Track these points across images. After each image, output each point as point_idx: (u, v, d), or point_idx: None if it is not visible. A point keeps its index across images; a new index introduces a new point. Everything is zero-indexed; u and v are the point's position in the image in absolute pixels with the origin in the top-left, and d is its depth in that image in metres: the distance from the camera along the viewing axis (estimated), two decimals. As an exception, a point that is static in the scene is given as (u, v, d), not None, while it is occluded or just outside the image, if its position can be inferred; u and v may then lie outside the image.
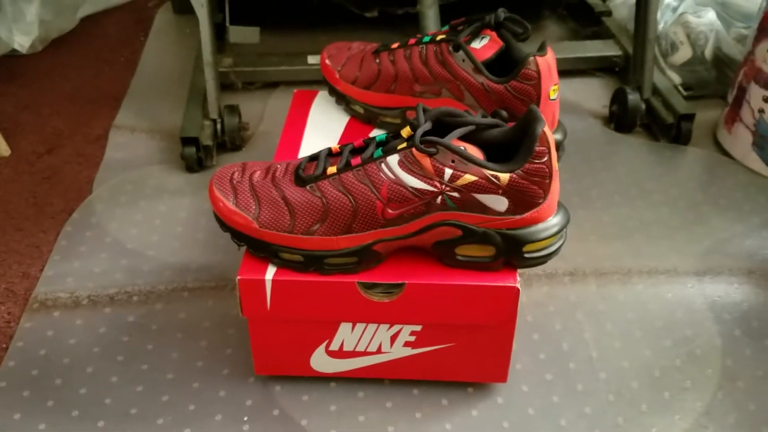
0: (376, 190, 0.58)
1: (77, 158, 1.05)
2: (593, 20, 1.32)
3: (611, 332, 0.76)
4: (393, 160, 0.58)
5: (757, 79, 0.97)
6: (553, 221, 0.60)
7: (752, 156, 1.00)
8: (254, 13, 1.12)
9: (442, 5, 1.11)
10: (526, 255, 0.60)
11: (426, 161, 0.56)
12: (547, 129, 0.56)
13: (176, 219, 0.91)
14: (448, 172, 0.56)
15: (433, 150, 0.56)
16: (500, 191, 0.56)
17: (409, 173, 0.57)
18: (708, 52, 1.14)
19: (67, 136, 1.09)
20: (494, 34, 0.73)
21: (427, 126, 0.57)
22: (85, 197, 0.96)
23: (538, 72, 0.67)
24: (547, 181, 0.57)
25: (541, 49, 0.68)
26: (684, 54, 1.15)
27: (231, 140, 1.04)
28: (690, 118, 1.03)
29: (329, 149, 0.62)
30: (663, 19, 1.18)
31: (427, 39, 0.75)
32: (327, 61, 0.82)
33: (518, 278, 0.60)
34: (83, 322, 0.77)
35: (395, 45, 0.77)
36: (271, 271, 0.61)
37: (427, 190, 0.57)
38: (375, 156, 0.59)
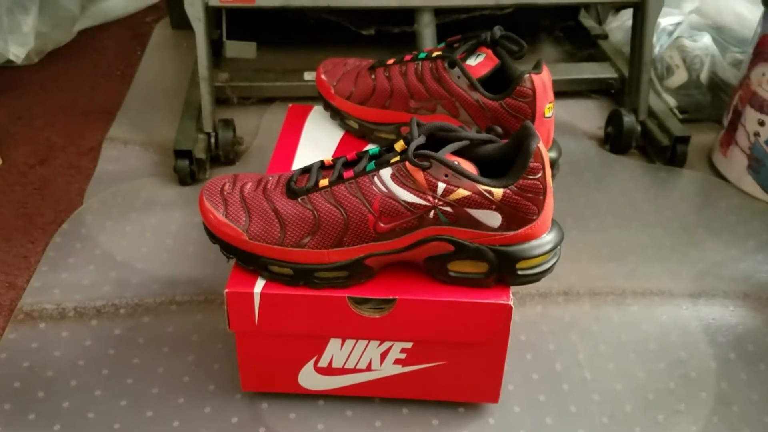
0: (368, 204, 0.57)
1: (69, 170, 1.04)
2: (589, 43, 1.32)
3: (605, 353, 0.75)
4: (386, 173, 0.57)
5: (753, 102, 0.98)
6: (547, 238, 0.59)
7: (747, 179, 1.00)
8: (252, 30, 1.12)
9: (439, 24, 1.11)
10: (520, 272, 0.59)
11: (419, 175, 0.56)
12: (541, 145, 0.55)
13: (167, 232, 0.90)
14: (441, 186, 0.55)
15: (426, 164, 0.55)
16: (494, 206, 0.56)
17: (401, 187, 0.56)
18: (703, 76, 1.14)
19: (60, 148, 1.09)
20: (490, 51, 0.73)
21: (420, 140, 0.57)
22: (75, 209, 0.95)
23: (533, 89, 0.67)
24: (541, 197, 0.56)
25: (537, 67, 0.68)
26: (679, 77, 1.15)
27: (225, 154, 1.03)
28: (685, 140, 1.03)
29: (322, 162, 0.62)
30: (659, 43, 1.19)
31: (423, 55, 0.75)
32: (322, 76, 0.81)
33: (511, 296, 0.59)
34: (69, 334, 0.76)
35: (391, 61, 0.77)
36: (259, 285, 0.60)
37: (420, 204, 0.56)
38: (368, 169, 0.58)
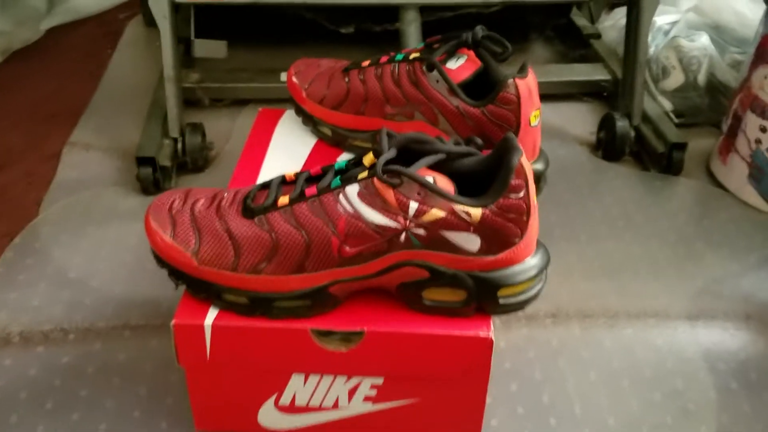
0: (333, 225, 0.51)
1: (27, 178, 0.97)
2: (581, 43, 1.27)
3: (596, 383, 0.69)
4: (352, 190, 0.51)
5: (754, 107, 0.92)
6: (531, 262, 0.53)
7: (748, 189, 0.94)
8: (226, 28, 1.06)
9: (424, 23, 1.05)
10: (501, 300, 0.53)
11: (389, 193, 0.50)
12: (524, 159, 0.49)
13: (126, 246, 0.84)
14: (413, 206, 0.49)
15: (396, 181, 0.49)
16: (472, 228, 0.50)
17: (369, 206, 0.50)
18: (701, 78, 1.09)
19: (19, 153, 1.02)
20: (472, 53, 0.67)
21: (391, 153, 0.51)
22: (31, 220, 0.88)
23: (518, 95, 0.61)
24: (525, 217, 0.50)
25: (522, 71, 0.62)
26: (676, 79, 1.10)
27: (193, 161, 0.97)
28: (682, 147, 0.98)
29: (283, 177, 0.56)
30: (654, 43, 1.13)
31: (400, 57, 0.69)
32: (294, 78, 0.75)
33: (492, 327, 0.53)
34: (12, 362, 0.69)
35: (366, 63, 0.71)
36: (211, 315, 0.53)
37: (390, 227, 0.50)
38: (332, 186, 0.52)
